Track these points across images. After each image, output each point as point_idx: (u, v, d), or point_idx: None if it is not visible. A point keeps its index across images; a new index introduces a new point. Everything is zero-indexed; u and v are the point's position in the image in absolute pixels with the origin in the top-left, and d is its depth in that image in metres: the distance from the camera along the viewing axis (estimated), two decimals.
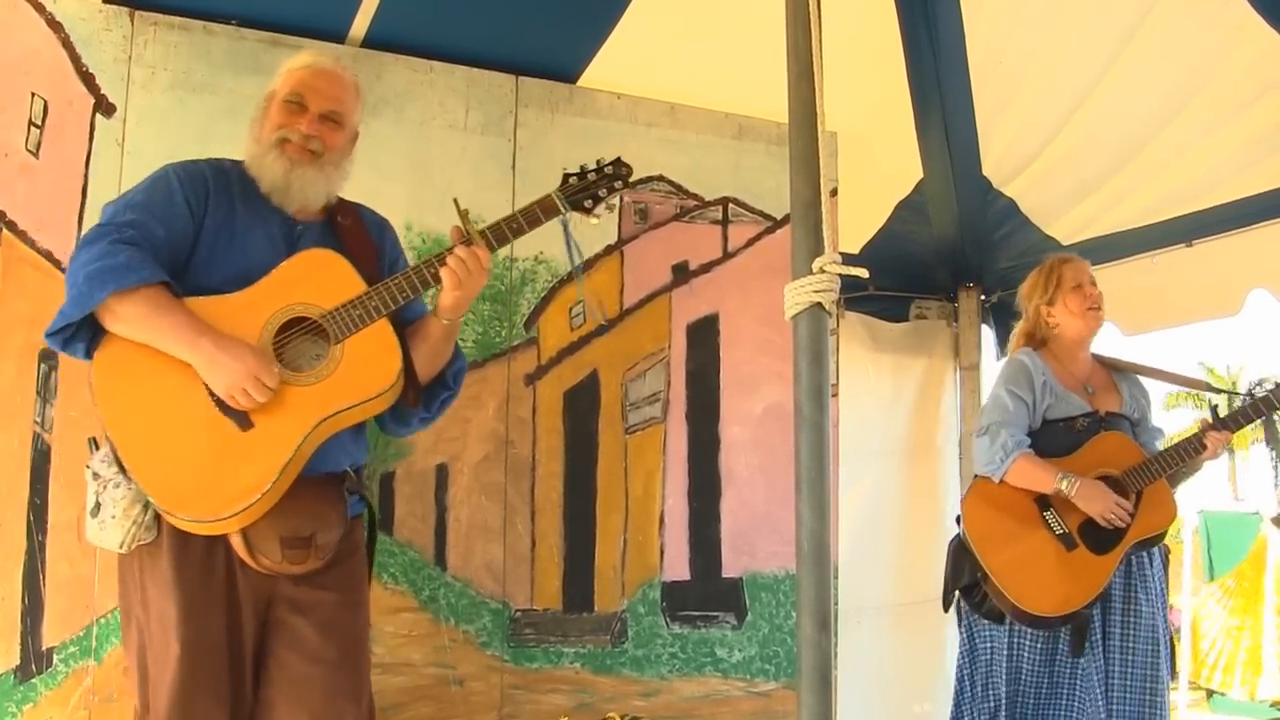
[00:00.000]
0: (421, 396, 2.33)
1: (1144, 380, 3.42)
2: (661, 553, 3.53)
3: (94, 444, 2.18)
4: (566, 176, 2.38)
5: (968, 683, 3.23)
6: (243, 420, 2.08)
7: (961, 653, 3.29)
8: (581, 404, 3.48)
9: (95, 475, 2.11)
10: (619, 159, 2.41)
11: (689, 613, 3.55)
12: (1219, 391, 3.28)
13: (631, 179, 2.42)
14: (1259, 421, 3.21)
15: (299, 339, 2.17)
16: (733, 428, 3.67)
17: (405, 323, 2.30)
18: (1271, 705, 9.90)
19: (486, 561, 3.29)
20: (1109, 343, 3.48)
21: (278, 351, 2.15)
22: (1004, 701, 3.09)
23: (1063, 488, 3.04)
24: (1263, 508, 11.26)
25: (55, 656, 2.78)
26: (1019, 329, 3.44)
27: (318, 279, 2.20)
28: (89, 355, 2.11)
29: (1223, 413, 3.24)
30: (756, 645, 3.62)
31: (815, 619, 1.74)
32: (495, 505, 3.31)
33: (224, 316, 2.13)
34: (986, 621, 3.16)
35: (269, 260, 2.21)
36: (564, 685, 3.35)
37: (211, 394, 2.08)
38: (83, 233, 2.17)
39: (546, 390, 3.43)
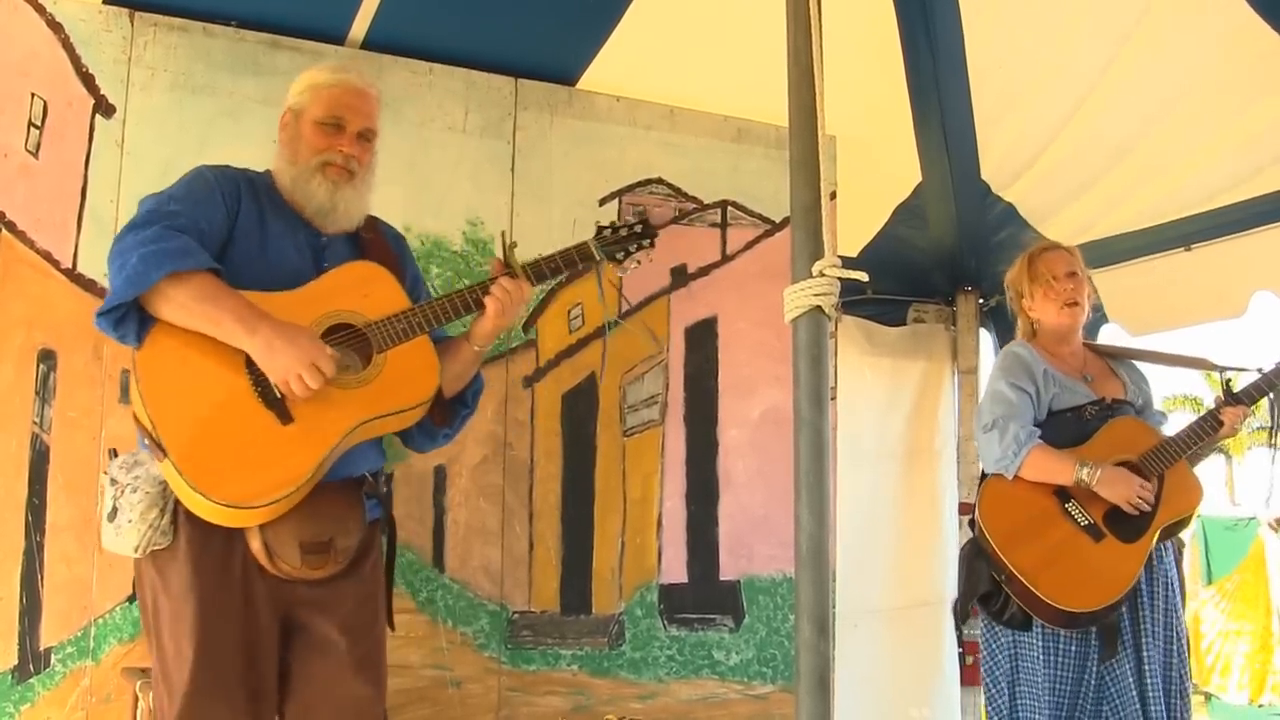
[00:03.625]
0: (445, 414, 2.38)
1: (1142, 366, 3.32)
2: (659, 555, 3.53)
3: (113, 454, 2.19)
4: (600, 229, 2.47)
5: (1003, 701, 3.04)
6: (284, 414, 2.09)
7: (986, 669, 3.12)
8: (580, 406, 3.48)
9: (113, 481, 2.11)
10: (646, 220, 2.51)
11: (686, 615, 3.55)
12: (1221, 369, 3.18)
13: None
14: (1271, 398, 3.07)
15: (339, 346, 2.18)
16: (731, 431, 3.68)
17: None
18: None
19: (484, 563, 3.29)
20: (1115, 338, 3.43)
21: None
22: (1045, 712, 2.95)
23: (1084, 476, 2.92)
24: (1260, 512, 11.26)
25: (53, 657, 2.78)
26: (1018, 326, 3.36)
27: (363, 290, 2.25)
28: (139, 339, 2.09)
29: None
30: (754, 648, 3.62)
31: (814, 622, 1.75)
32: (493, 507, 3.31)
33: (272, 312, 2.13)
34: (1009, 630, 3.01)
35: (298, 268, 2.24)
36: (561, 687, 3.35)
37: (255, 386, 2.09)
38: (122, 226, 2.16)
39: (545, 392, 3.43)
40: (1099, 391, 3.13)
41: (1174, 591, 3.07)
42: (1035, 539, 2.95)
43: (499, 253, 2.40)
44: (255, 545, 2.09)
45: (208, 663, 2.04)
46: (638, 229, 2.49)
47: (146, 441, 2.09)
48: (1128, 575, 2.91)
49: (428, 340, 2.26)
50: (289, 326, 2.09)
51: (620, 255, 2.47)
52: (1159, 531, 2.96)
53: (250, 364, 2.10)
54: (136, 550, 2.08)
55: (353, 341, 2.20)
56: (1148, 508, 2.94)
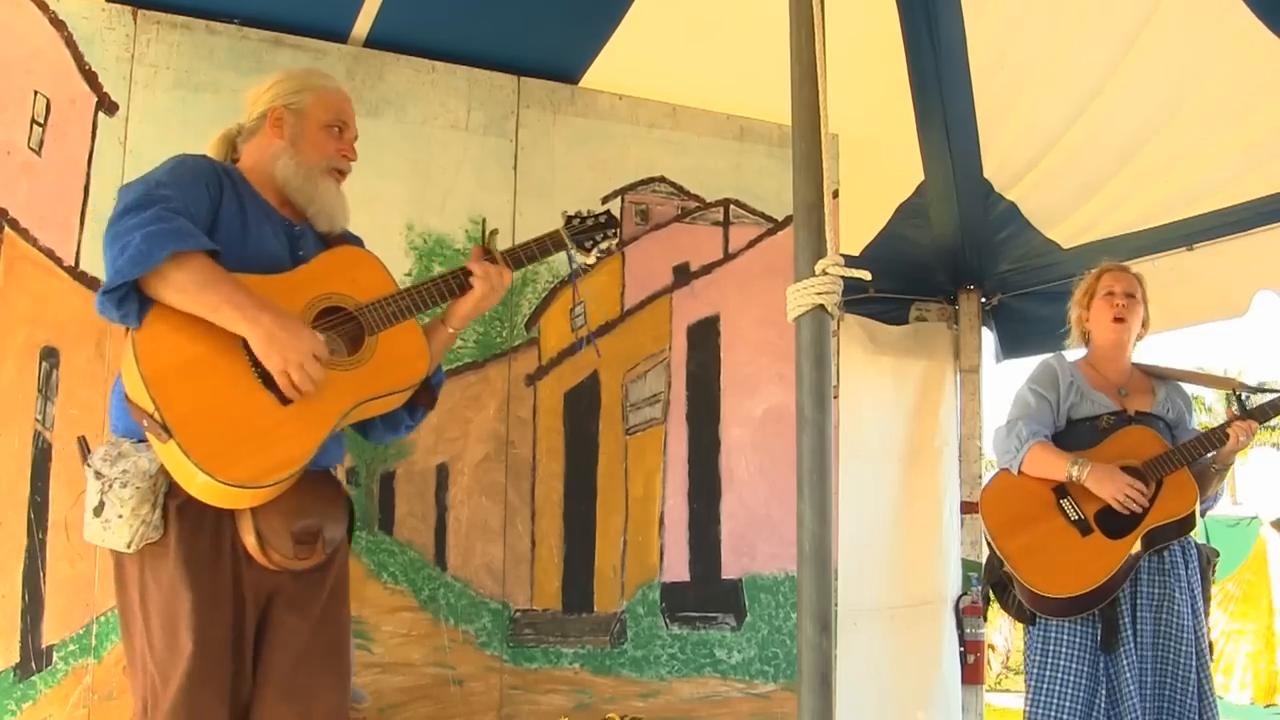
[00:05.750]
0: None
1: (1187, 386, 3.43)
2: (661, 554, 3.53)
3: (85, 444, 2.18)
4: (568, 218, 2.59)
5: (1033, 692, 3.17)
6: (283, 394, 2.10)
7: (1025, 664, 3.29)
8: (582, 405, 3.48)
9: (98, 474, 2.09)
10: (609, 212, 2.66)
11: (688, 614, 3.55)
12: (1254, 391, 3.26)
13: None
14: None
15: (329, 328, 2.21)
16: (733, 429, 3.67)
17: None
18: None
19: (486, 562, 3.29)
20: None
21: None
22: (1040, 703, 3.09)
23: (1074, 472, 3.06)
24: (1262, 512, 11.25)
25: (55, 654, 2.78)
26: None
27: (353, 274, 2.31)
28: (139, 319, 2.07)
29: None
30: (756, 647, 3.62)
31: (816, 620, 1.75)
32: (495, 505, 3.32)
33: (267, 295, 2.14)
34: (1041, 624, 3.15)
35: (276, 254, 2.26)
36: (563, 686, 3.35)
37: (254, 366, 2.09)
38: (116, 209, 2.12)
39: (547, 391, 3.43)
40: (1129, 405, 3.25)
41: (1187, 596, 3.10)
42: (1027, 528, 3.12)
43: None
44: (249, 539, 2.10)
45: (204, 653, 2.06)
46: (603, 219, 2.63)
47: (145, 423, 2.06)
48: (1104, 569, 3.02)
49: (416, 324, 2.32)
50: (288, 318, 2.10)
51: (588, 244, 2.60)
52: (1149, 533, 3.04)
53: (248, 344, 2.10)
54: (129, 546, 2.07)
55: (345, 324, 2.24)
56: (1137, 508, 3.03)
